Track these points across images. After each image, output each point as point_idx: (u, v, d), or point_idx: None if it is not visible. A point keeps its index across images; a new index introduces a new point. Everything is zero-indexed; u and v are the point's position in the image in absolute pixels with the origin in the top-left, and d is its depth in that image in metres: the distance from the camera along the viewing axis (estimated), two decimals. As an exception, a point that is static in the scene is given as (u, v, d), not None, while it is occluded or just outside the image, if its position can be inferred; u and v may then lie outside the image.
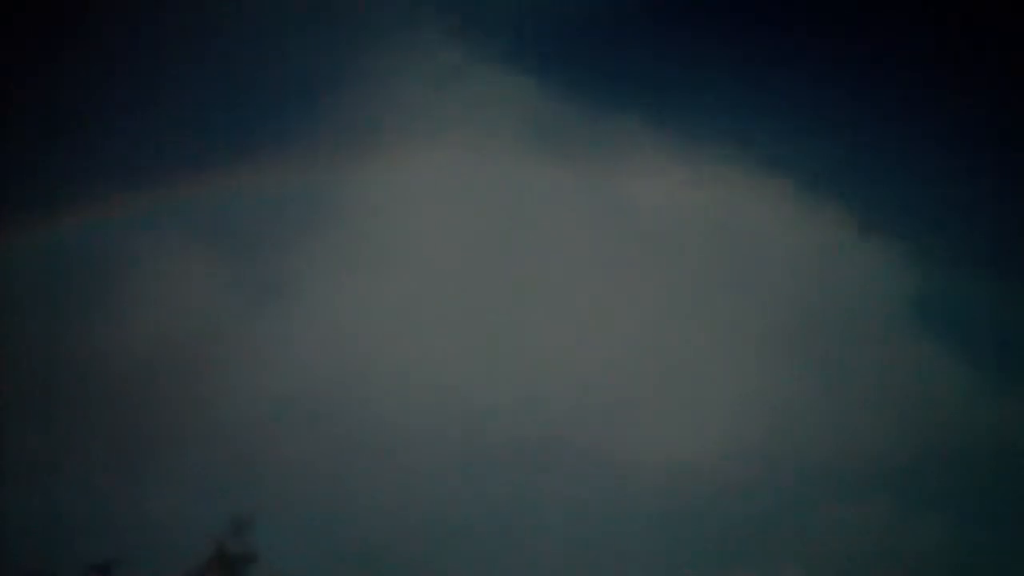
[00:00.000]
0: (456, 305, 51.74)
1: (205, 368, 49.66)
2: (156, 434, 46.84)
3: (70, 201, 50.94)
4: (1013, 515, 48.76)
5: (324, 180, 52.83)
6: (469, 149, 53.12)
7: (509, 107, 53.92)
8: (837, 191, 53.69)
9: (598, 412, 49.51)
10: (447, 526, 45.93)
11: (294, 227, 53.32)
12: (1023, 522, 48.57)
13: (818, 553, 47.18)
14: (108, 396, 47.49)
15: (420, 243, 53.16)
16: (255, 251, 53.28)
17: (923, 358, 51.73)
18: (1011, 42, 52.03)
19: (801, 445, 49.01)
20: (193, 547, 37.37)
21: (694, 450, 48.49)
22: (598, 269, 53.29)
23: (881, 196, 54.67)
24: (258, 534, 37.57)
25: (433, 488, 46.96)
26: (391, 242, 53.23)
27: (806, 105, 53.99)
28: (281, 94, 54.85)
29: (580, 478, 47.19)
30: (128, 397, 47.46)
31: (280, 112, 54.99)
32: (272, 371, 49.57)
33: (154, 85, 54.32)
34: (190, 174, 52.09)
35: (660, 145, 53.48)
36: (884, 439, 49.29)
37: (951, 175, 53.13)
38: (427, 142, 52.90)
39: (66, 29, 53.02)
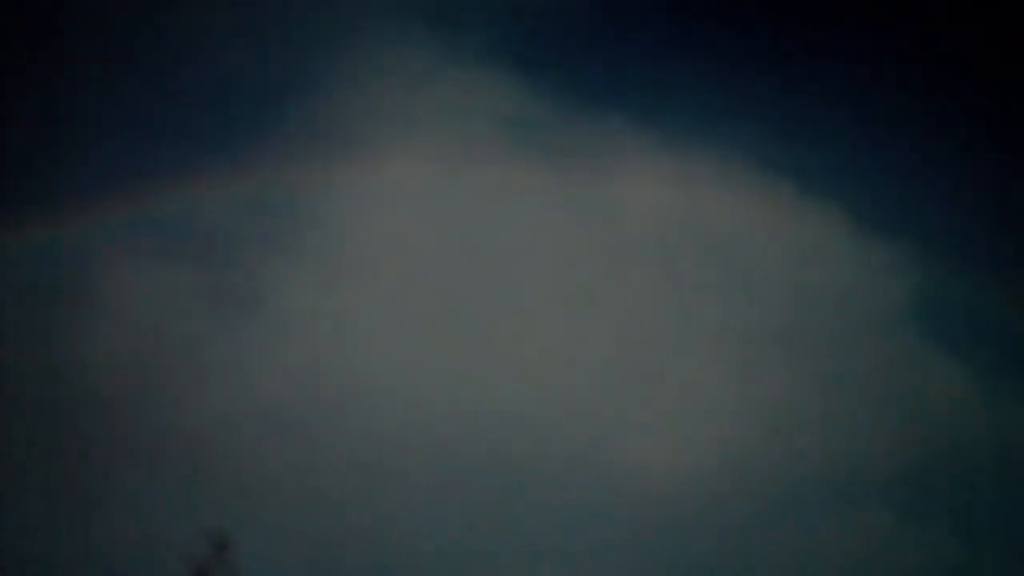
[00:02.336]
0: (437, 311, 51.53)
1: (177, 380, 49.01)
2: (124, 449, 46.00)
3: (39, 211, 50.16)
4: (1012, 519, 48.88)
5: (300, 185, 52.49)
6: (448, 151, 52.96)
7: (488, 108, 53.94)
8: (832, 192, 53.89)
9: (587, 419, 49.22)
10: (429, 537, 45.27)
11: (270, 233, 52.93)
12: (1022, 526, 48.65)
13: (815, 560, 46.87)
14: (67, 413, 46.54)
15: (399, 248, 52.85)
16: (230, 258, 52.69)
17: (922, 361, 51.97)
18: (1010, 42, 52.37)
19: (798, 450, 49.05)
20: (172, 570, 36.72)
21: (687, 456, 48.48)
22: (583, 273, 53.17)
23: (877, 196, 55.04)
24: (238, 551, 36.96)
25: (415, 499, 46.26)
26: (369, 248, 52.93)
27: (799, 105, 54.25)
28: (255, 99, 54.61)
29: (569, 485, 46.91)
30: (96, 411, 46.62)
31: (254, 117, 54.60)
32: (248, 381, 49.19)
33: (126, 93, 53.68)
34: (162, 182, 51.57)
35: (646, 146, 53.64)
36: (883, 443, 49.44)
37: (949, 175, 53.50)
38: (404, 145, 52.78)
39: (38, 39, 52.29)
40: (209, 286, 52.16)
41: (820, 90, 54.19)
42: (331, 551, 44.30)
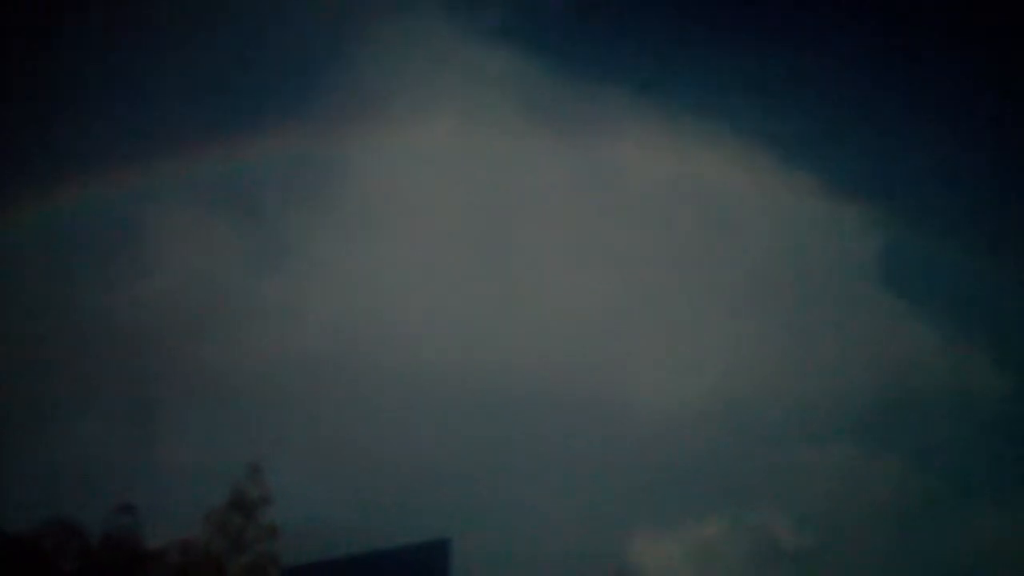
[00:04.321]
0: (458, 265, 53.19)
1: (223, 322, 50.70)
2: (170, 389, 47.40)
3: (87, 170, 51.54)
4: (965, 456, 51.14)
5: (330, 149, 53.45)
6: (466, 119, 54.30)
7: (504, 81, 55.18)
8: (807, 161, 56.67)
9: (593, 360, 50.80)
10: (451, 472, 46.67)
11: (301, 194, 54.82)
12: (975, 462, 51.03)
13: (790, 486, 48.81)
14: (126, 353, 47.91)
15: (423, 207, 54.32)
16: (265, 217, 54.93)
17: (885, 311, 53.86)
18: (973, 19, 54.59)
19: (776, 390, 50.61)
20: (212, 492, 38.06)
21: (680, 394, 50.23)
22: (589, 230, 55.17)
23: (847, 165, 57.98)
24: (272, 479, 38.23)
25: (438, 435, 48.02)
26: (397, 204, 54.45)
27: (783, 82, 56.70)
28: (295, 70, 56.37)
29: (578, 418, 48.28)
30: (145, 354, 48.05)
31: (294, 86, 56.40)
32: (287, 323, 50.79)
33: (166, 60, 55.69)
34: (202, 144, 52.78)
35: (645, 117, 54.87)
36: (850, 385, 51.21)
37: (909, 146, 56.44)
38: (427, 112, 53.83)
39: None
40: (252, 237, 54.41)
41: (800, 71, 56.47)
42: (353, 479, 45.66)
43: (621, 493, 47.00)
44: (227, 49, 55.94)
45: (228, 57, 55.99)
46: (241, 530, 37.79)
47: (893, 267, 55.59)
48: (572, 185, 55.29)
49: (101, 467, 44.31)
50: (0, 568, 37.14)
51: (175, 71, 55.82)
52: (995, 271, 53.12)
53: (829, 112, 57.27)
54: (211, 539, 37.82)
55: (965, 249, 53.88)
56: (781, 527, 47.20)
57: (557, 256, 54.10)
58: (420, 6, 57.08)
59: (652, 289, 53.49)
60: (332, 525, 40.65)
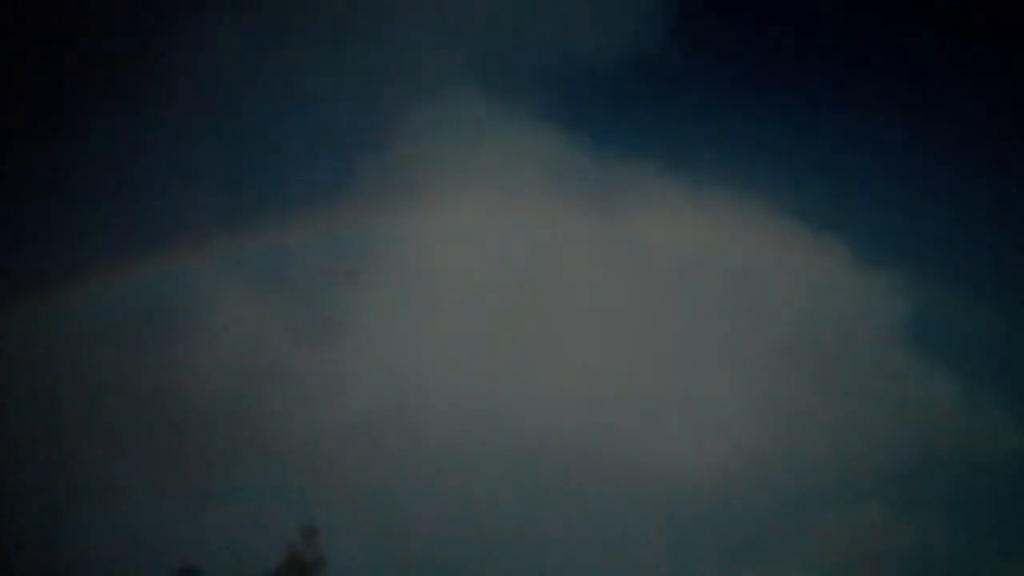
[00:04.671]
0: (492, 336, 54.13)
1: (273, 394, 51.92)
2: (226, 456, 48.86)
3: (143, 252, 53.63)
4: (1001, 517, 51.61)
5: (371, 227, 55.30)
6: (501, 197, 55.73)
7: (536, 158, 56.59)
8: (834, 227, 56.40)
9: (620, 427, 51.86)
10: (491, 533, 48.21)
11: (344, 271, 55.73)
12: (1012, 524, 51.35)
13: (818, 553, 50.12)
14: (182, 425, 49.69)
15: (458, 282, 55.40)
16: (310, 293, 55.64)
17: (915, 373, 54.54)
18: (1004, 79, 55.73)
19: (803, 453, 51.81)
20: (266, 555, 39.71)
21: (707, 458, 50.96)
22: (619, 300, 55.82)
23: (875, 231, 58.47)
24: (324, 540, 39.80)
25: (477, 499, 49.24)
26: (432, 282, 55.53)
27: (808, 150, 57.61)
28: (336, 153, 57.46)
29: (605, 485, 49.52)
30: (199, 426, 49.75)
31: (336, 168, 57.48)
32: (332, 394, 51.99)
33: (234, 152, 57.08)
34: (251, 226, 54.80)
35: (671, 190, 56.51)
36: (879, 447, 52.12)
37: (938, 211, 57.43)
38: (463, 191, 55.41)
39: (125, 85, 55.14)
40: (298, 314, 55.24)
41: (824, 137, 57.84)
42: (403, 543, 46.99)
43: (649, 556, 47.98)
44: (278, 136, 57.66)
45: (274, 141, 57.49)
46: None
47: (921, 330, 56.45)
48: (602, 257, 56.62)
49: (163, 535, 45.58)
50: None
51: (224, 157, 57.17)
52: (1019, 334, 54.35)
53: (857, 178, 58.45)
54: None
55: (998, 308, 55.29)
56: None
57: (587, 325, 55.00)
58: (454, 87, 58.14)
59: (678, 355, 54.50)
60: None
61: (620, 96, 59.29)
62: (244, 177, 57.12)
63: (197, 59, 56.44)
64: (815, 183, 56.22)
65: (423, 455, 49.81)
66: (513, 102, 58.06)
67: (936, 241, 57.35)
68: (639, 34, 57.74)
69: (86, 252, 52.77)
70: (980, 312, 55.18)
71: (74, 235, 53.45)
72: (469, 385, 52.27)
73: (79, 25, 54.23)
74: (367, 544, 46.06)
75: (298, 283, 55.94)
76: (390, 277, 55.91)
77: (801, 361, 54.32)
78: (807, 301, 55.71)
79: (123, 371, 51.79)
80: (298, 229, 54.47)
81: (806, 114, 58.11)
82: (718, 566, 48.40)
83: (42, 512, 42.69)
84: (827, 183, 56.61)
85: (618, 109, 59.58)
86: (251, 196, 56.63)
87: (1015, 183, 56.27)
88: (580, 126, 58.38)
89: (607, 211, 56.49)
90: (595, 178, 56.93)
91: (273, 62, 57.57)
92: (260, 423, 50.48)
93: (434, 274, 55.92)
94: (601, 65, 57.80)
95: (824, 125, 58.10)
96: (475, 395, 51.86)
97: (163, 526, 46.43)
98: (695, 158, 57.17)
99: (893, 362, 54.77)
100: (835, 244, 55.29)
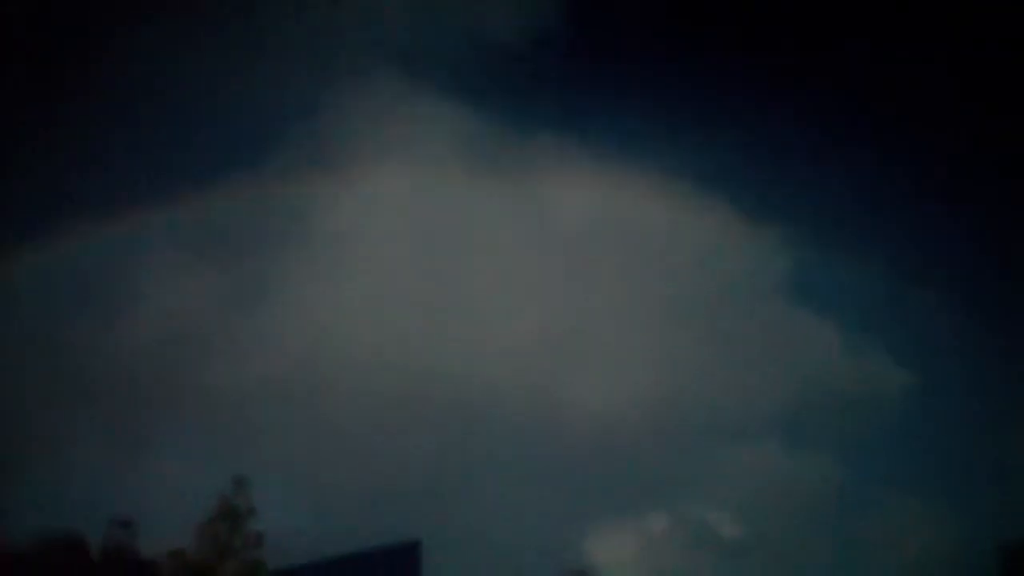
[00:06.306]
0: (409, 297, 56.48)
1: (204, 354, 53.93)
2: (159, 413, 50.13)
3: (75, 220, 54.20)
4: (887, 449, 56.52)
5: (294, 196, 56.93)
6: (415, 167, 57.72)
7: (447, 131, 58.93)
8: (721, 191, 60.26)
9: (535, 373, 55.06)
10: (412, 472, 50.40)
11: (271, 237, 58.21)
12: (883, 458, 56.89)
13: (718, 487, 53.82)
14: (116, 383, 51.11)
15: (377, 246, 57.85)
16: (238, 258, 58.04)
17: (799, 321, 58.37)
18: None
19: (698, 394, 55.19)
20: (200, 505, 40.19)
21: (613, 399, 54.15)
22: (525, 260, 58.93)
23: (758, 192, 61.76)
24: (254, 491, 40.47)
25: (398, 445, 51.31)
26: (352, 247, 57.79)
27: (695, 126, 60.10)
28: (265, 125, 59.80)
29: (524, 426, 52.50)
30: (134, 384, 50.97)
31: (254, 138, 60.39)
32: (260, 354, 54.00)
33: (148, 117, 58.84)
34: (180, 194, 55.80)
35: (577, 161, 58.85)
36: (769, 390, 55.35)
37: (817, 172, 59.99)
38: (380, 161, 57.47)
39: (65, 63, 56.35)
40: (228, 278, 57.51)
41: (711, 109, 60.02)
42: (328, 493, 49.29)
43: (568, 492, 51.13)
44: (201, 109, 59.49)
45: (201, 116, 59.34)
46: (229, 539, 39.47)
47: (801, 282, 60.51)
48: (509, 220, 59.32)
49: (100, 488, 47.91)
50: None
51: (152, 129, 59.53)
52: (892, 281, 57.54)
53: (742, 143, 60.56)
54: (201, 548, 39.44)
55: (870, 264, 58.20)
56: (718, 520, 51.85)
57: (497, 285, 57.55)
58: (371, 65, 60.64)
59: (587, 310, 57.44)
60: (309, 533, 43.77)
61: (524, 73, 61.28)
62: (172, 149, 59.38)
63: (132, 35, 57.80)
64: (704, 149, 58.32)
65: (347, 410, 52.42)
66: (426, 79, 60.59)
67: (817, 199, 59.82)
68: (541, 15, 60.30)
69: (20, 223, 53.80)
70: (859, 263, 57.84)
71: (7, 207, 54.71)
72: (389, 342, 54.55)
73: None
74: (295, 495, 48.64)
75: (226, 250, 58.11)
76: (312, 242, 58.32)
77: (695, 312, 57.58)
78: (698, 257, 58.79)
79: (59, 336, 53.86)
80: (225, 198, 55.67)
81: (696, 88, 59.95)
82: (635, 504, 51.67)
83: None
84: (715, 149, 58.54)
85: (523, 85, 61.55)
86: (180, 167, 59.52)
87: (891, 139, 58.61)
88: (488, 101, 61.30)
89: (513, 179, 58.77)
90: (502, 149, 59.13)
91: (202, 41, 59.50)
92: (192, 382, 52.21)
93: (354, 238, 58.14)
94: (507, 44, 60.21)
95: (711, 98, 60.15)
96: (394, 351, 54.05)
97: (99, 482, 48.50)
98: (593, 129, 60.27)
99: (778, 311, 58.17)
100: (722, 205, 57.78)
